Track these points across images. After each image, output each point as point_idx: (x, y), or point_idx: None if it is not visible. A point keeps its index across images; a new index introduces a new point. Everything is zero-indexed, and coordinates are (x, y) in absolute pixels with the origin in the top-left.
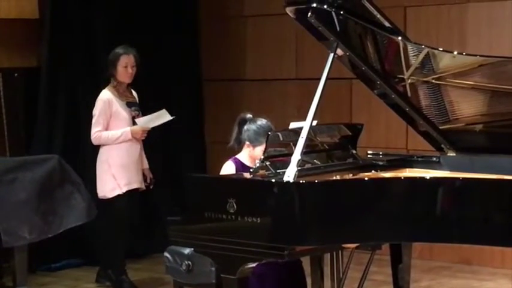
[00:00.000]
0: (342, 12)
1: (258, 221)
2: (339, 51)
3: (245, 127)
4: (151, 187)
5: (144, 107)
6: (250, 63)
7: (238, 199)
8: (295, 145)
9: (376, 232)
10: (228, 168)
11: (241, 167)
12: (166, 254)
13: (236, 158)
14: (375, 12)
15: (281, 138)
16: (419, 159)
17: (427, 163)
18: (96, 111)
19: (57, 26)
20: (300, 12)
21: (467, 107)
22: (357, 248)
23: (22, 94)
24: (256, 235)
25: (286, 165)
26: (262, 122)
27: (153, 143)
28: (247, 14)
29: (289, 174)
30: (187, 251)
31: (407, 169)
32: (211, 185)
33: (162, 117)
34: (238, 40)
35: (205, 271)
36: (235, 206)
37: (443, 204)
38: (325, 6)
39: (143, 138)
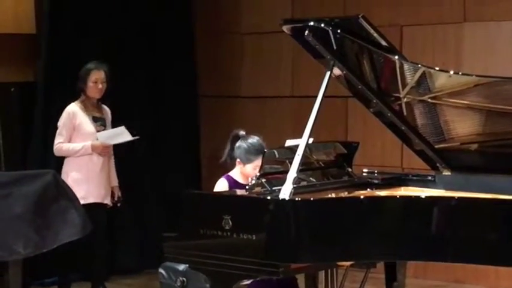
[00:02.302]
0: (338, 31)
1: (253, 238)
2: (336, 70)
3: (237, 144)
4: (118, 205)
5: (141, 123)
6: (246, 80)
7: (234, 216)
8: (291, 162)
9: (370, 250)
10: (221, 186)
11: (234, 184)
12: (161, 270)
13: (229, 175)
14: (372, 31)
15: (277, 156)
16: (415, 177)
17: (422, 182)
18: (60, 122)
19: (54, 41)
20: (297, 30)
21: (462, 127)
22: (351, 266)
23: (18, 108)
24: (251, 252)
25: (282, 182)
26: (253, 140)
27: (147, 158)
28: (244, 31)
29: (285, 191)
30: (182, 267)
31: (402, 187)
32: (207, 201)
33: (123, 135)
34: (234, 57)
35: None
36: (230, 223)
37: (438, 223)
38: (322, 25)
39: (104, 154)
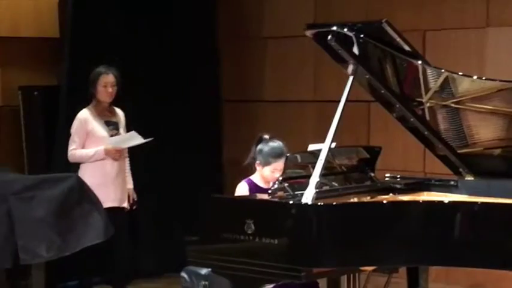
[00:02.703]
0: (362, 36)
1: (276, 242)
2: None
3: (259, 147)
4: (134, 207)
5: (164, 126)
6: (269, 84)
7: (256, 220)
8: (313, 167)
9: (393, 255)
10: (242, 189)
11: (254, 187)
12: (183, 274)
13: (250, 179)
14: (395, 36)
15: (299, 160)
16: (437, 182)
17: (444, 187)
18: (72, 129)
19: (77, 45)
20: (320, 35)
21: (485, 132)
22: (373, 270)
23: (41, 112)
24: (274, 256)
25: (304, 187)
26: (275, 143)
27: (169, 162)
28: (267, 35)
29: (307, 196)
30: (204, 271)
31: (425, 192)
32: (230, 205)
33: (135, 138)
34: (257, 61)
35: None
36: (253, 227)
37: (461, 228)
38: (345, 30)
39: (118, 158)
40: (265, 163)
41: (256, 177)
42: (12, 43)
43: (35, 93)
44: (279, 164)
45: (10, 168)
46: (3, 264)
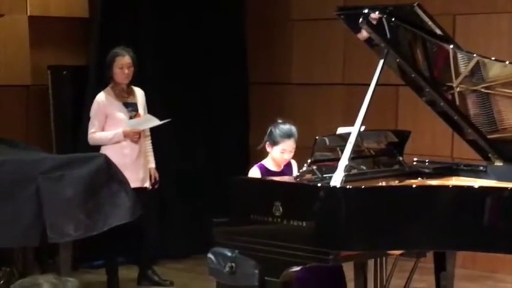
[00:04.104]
0: (393, 19)
1: (304, 225)
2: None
3: (270, 128)
4: (156, 186)
5: (191, 109)
6: (296, 67)
7: (284, 202)
8: (341, 150)
9: (421, 240)
10: (253, 174)
11: (266, 172)
12: (209, 255)
13: (261, 164)
14: (426, 19)
15: (328, 143)
16: (466, 167)
17: (473, 172)
18: (91, 113)
19: (106, 25)
20: (351, 17)
21: None
22: (401, 255)
23: (70, 92)
24: (301, 239)
25: (332, 170)
26: (285, 125)
27: (196, 145)
28: (295, 18)
29: (336, 179)
30: (230, 252)
31: (453, 177)
32: (258, 187)
33: (152, 121)
34: (285, 44)
35: (248, 273)
36: (281, 209)
37: (490, 214)
38: (377, 13)
39: (136, 140)
40: (274, 143)
41: (267, 162)
42: (42, 22)
43: (64, 72)
44: (288, 145)
45: (38, 147)
46: (31, 243)
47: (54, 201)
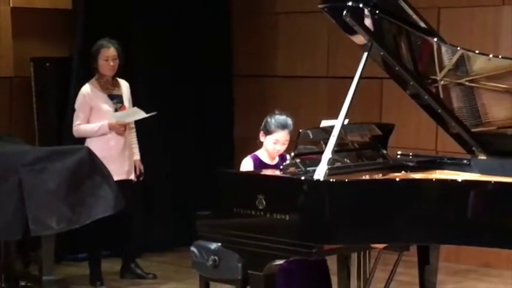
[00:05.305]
0: (377, 12)
1: (287, 218)
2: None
3: (266, 118)
4: (141, 179)
5: (175, 101)
6: (281, 59)
7: (268, 196)
8: (325, 143)
9: (405, 233)
10: (246, 165)
11: (259, 163)
12: (193, 249)
13: (255, 155)
14: (411, 12)
15: (311, 136)
16: (450, 161)
17: (457, 165)
18: (76, 105)
19: (90, 16)
20: (335, 10)
21: (500, 110)
22: (384, 248)
23: (53, 84)
24: (285, 232)
25: (316, 163)
26: (281, 116)
27: (180, 136)
28: (280, 10)
29: (320, 172)
30: (214, 246)
31: (437, 171)
32: (241, 181)
33: (138, 113)
34: (270, 36)
35: (231, 267)
36: (264, 203)
37: (474, 207)
38: (360, 5)
39: (121, 132)
40: (267, 132)
41: (261, 153)
42: (25, 14)
43: (47, 64)
44: (281, 136)
45: (21, 139)
46: (13, 236)
47: (36, 194)
